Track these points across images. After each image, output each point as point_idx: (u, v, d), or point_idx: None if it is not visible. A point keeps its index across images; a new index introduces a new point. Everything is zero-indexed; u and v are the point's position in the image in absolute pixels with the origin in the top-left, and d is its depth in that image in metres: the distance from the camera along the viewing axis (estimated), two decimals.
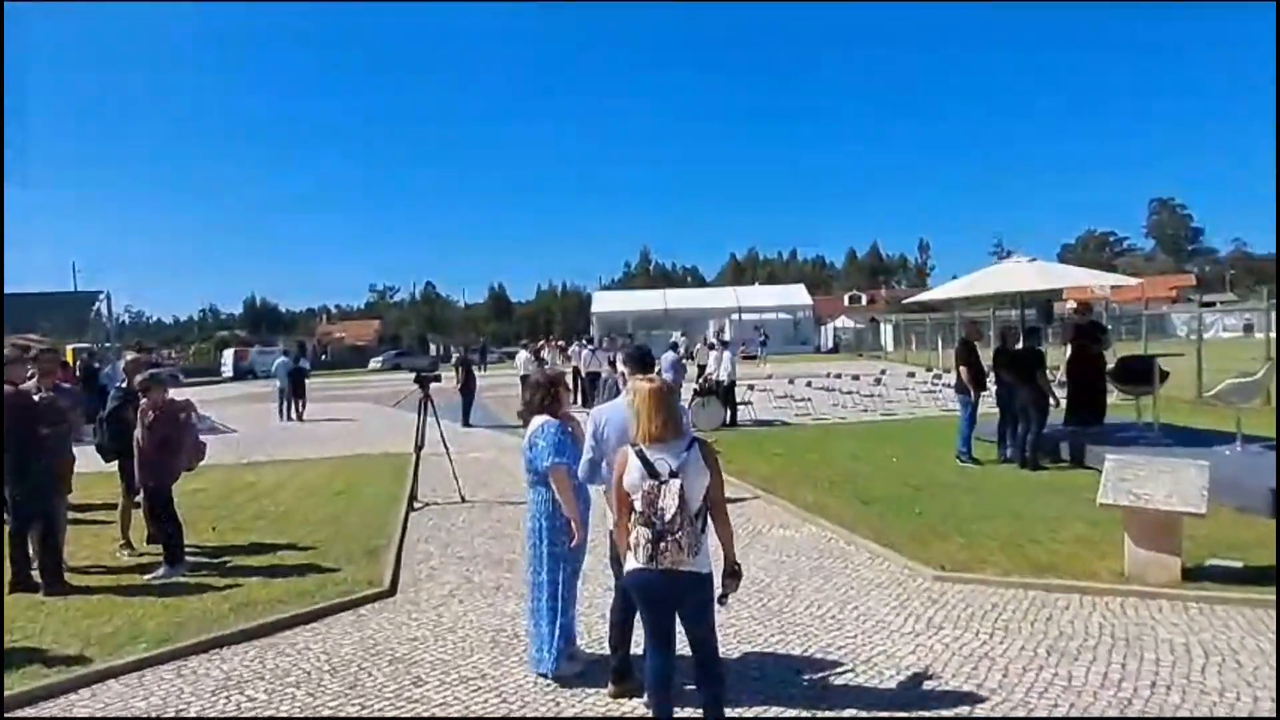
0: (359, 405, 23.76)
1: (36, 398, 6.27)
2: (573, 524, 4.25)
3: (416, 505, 8.87)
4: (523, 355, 20.72)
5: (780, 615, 5.21)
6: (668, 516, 3.14)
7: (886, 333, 46.24)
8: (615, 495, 3.44)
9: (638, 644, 4.07)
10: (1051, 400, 9.70)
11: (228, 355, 48.68)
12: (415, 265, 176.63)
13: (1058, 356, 12.13)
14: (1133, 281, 22.43)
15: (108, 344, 32.37)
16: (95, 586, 6.22)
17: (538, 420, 4.39)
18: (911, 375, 20.83)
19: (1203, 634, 4.59)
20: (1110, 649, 4.44)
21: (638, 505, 3.22)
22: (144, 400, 6.56)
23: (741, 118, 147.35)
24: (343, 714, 4.07)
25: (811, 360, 38.10)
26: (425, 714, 4.04)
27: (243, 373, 44.50)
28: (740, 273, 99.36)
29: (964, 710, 3.84)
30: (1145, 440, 9.56)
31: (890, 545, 6.47)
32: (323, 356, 59.56)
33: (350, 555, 6.86)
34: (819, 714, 3.87)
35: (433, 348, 65.56)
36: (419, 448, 9.54)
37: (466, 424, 16.40)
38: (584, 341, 23.73)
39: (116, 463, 7.28)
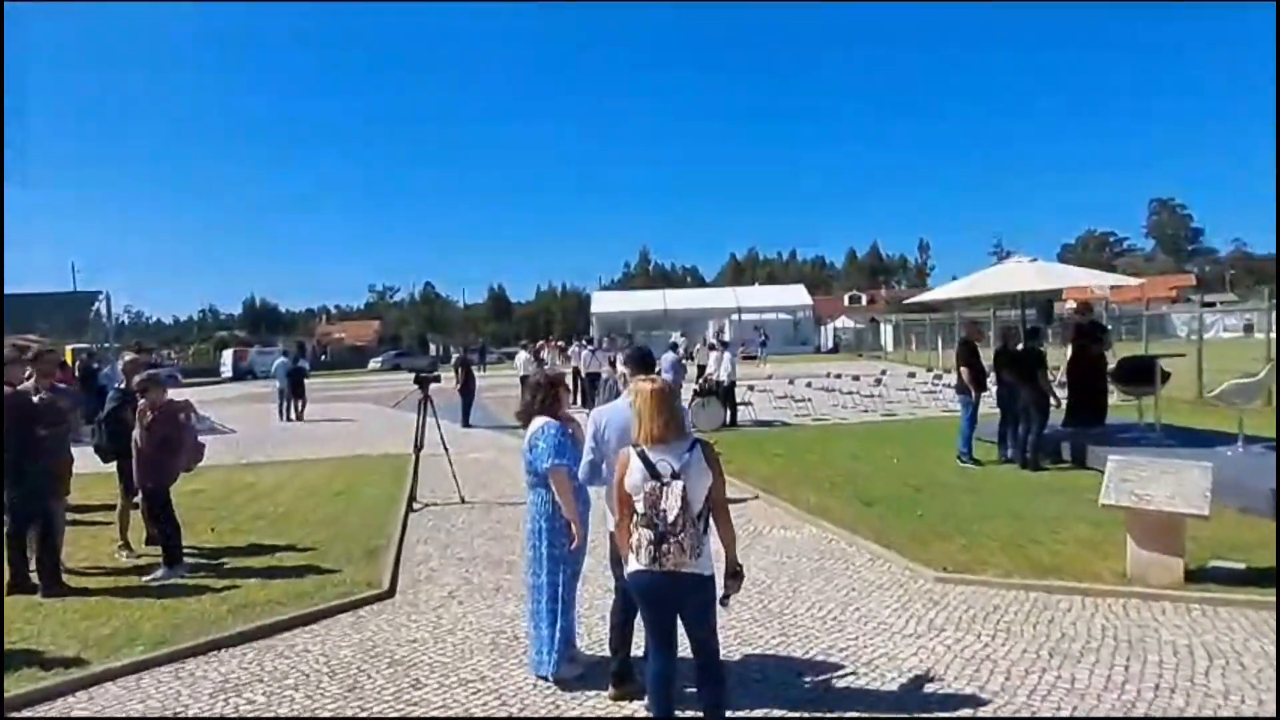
0: (358, 406, 23.74)
1: (35, 398, 6.24)
2: (573, 526, 4.23)
3: (416, 506, 8.85)
4: (522, 356, 20.68)
5: (781, 617, 5.20)
6: (670, 518, 3.13)
7: (886, 333, 46.25)
8: (616, 496, 3.42)
9: (638, 646, 4.07)
10: (1052, 401, 9.70)
11: (227, 356, 48.61)
12: (415, 265, 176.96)
13: (1058, 357, 12.13)
14: (1133, 282, 22.38)
15: (107, 344, 32.25)
16: (93, 588, 6.20)
17: (538, 421, 4.37)
18: (912, 375, 20.84)
19: (1206, 636, 4.57)
20: (1113, 651, 4.42)
21: (640, 506, 3.21)
22: (142, 401, 6.54)
23: (741, 118, 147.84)
24: (342, 716, 4.05)
25: (811, 360, 38.06)
26: (425, 716, 4.02)
27: (242, 373, 44.47)
28: (740, 273, 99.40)
29: (966, 713, 3.82)
30: (1147, 441, 9.54)
31: (891, 546, 6.46)
32: (322, 357, 59.60)
33: (349, 556, 6.85)
34: (820, 716, 3.85)
35: (432, 348, 65.65)
36: (418, 448, 9.52)
37: (466, 424, 16.39)
38: (584, 342, 23.67)
39: (115, 464, 7.26)
